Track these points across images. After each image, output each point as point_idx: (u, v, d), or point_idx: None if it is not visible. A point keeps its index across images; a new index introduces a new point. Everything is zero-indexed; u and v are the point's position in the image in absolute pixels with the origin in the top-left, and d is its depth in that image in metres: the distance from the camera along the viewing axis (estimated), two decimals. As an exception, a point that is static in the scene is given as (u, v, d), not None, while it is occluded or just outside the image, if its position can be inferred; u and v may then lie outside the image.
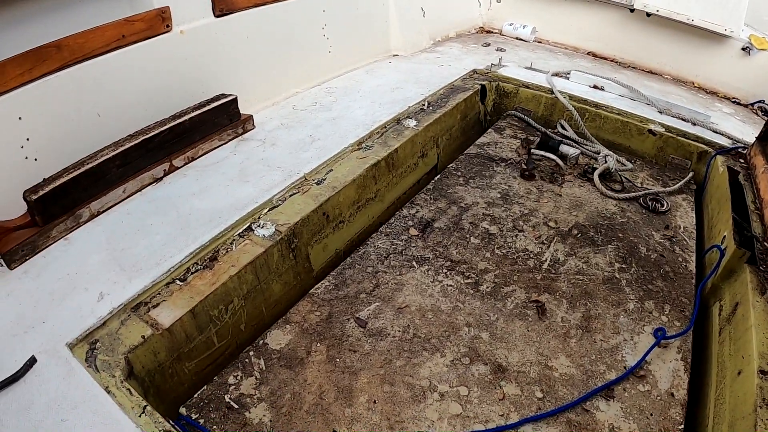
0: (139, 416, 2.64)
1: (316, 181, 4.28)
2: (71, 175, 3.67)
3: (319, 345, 3.44)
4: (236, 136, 4.88)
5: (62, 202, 3.65)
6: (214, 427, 2.95)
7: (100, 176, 3.84)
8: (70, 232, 3.67)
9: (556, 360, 3.57)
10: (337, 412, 3.09)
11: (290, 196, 4.09)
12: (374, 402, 3.16)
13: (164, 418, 2.67)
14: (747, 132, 6.25)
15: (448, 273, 4.12)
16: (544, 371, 3.49)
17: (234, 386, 3.17)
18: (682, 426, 3.26)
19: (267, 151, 4.67)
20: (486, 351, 3.55)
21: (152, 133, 4.16)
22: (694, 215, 5.31)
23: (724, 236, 4.40)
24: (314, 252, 4.14)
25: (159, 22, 4.48)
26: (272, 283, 3.76)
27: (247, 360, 3.32)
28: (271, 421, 3.01)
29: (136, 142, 4.04)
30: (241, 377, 3.22)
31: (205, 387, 3.16)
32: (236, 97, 4.81)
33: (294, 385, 3.19)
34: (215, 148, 4.68)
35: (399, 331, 3.61)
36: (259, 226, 3.76)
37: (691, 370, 3.68)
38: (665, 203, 5.32)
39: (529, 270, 4.27)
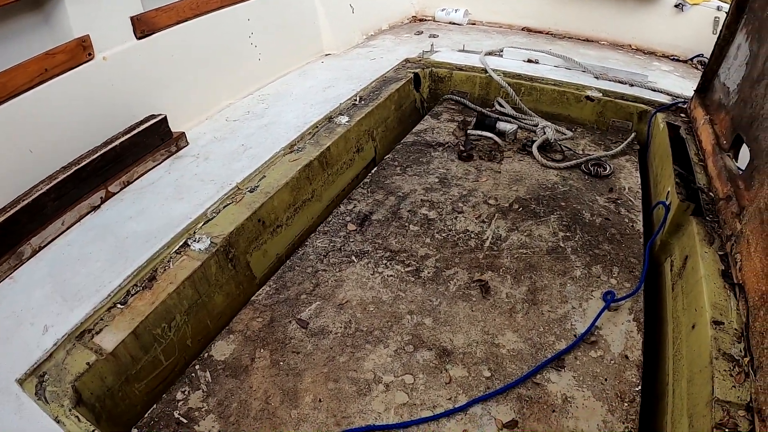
0: (89, 442, 2.63)
1: (249, 189, 4.26)
2: (8, 214, 3.63)
3: (262, 351, 3.42)
4: (170, 155, 4.85)
5: (3, 241, 3.62)
6: (165, 446, 2.95)
7: (37, 211, 3.80)
8: (14, 270, 3.62)
9: (503, 337, 3.56)
10: (284, 415, 3.07)
11: (224, 207, 4.06)
12: (319, 401, 3.15)
13: (113, 440, 2.67)
14: (687, 87, 6.28)
15: (388, 263, 4.11)
16: (491, 350, 3.48)
17: (182, 401, 3.14)
18: (639, 387, 3.27)
19: (200, 165, 4.65)
20: (430, 336, 3.54)
21: (84, 162, 4.11)
22: (638, 175, 5.34)
23: (668, 191, 4.41)
24: (254, 259, 4.12)
25: (80, 52, 4.45)
26: (214, 295, 3.74)
27: (193, 374, 3.30)
28: (220, 431, 3.00)
29: (69, 172, 4.00)
30: (189, 392, 3.19)
31: (155, 406, 3.13)
32: (165, 116, 4.77)
33: (240, 393, 3.17)
34: (150, 169, 4.64)
35: (341, 327, 3.59)
36: (194, 240, 3.73)
37: (648, 331, 3.70)
38: (608, 167, 5.34)
39: (471, 250, 4.27)
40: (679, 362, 3.36)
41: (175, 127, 4.94)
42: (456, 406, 3.14)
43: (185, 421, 3.05)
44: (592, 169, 5.31)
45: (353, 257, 4.16)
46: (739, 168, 4.09)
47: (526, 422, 3.08)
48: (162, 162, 4.75)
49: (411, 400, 3.17)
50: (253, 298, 3.79)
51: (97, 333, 3.15)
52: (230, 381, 3.26)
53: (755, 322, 2.96)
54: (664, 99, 6.02)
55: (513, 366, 3.38)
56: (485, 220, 4.61)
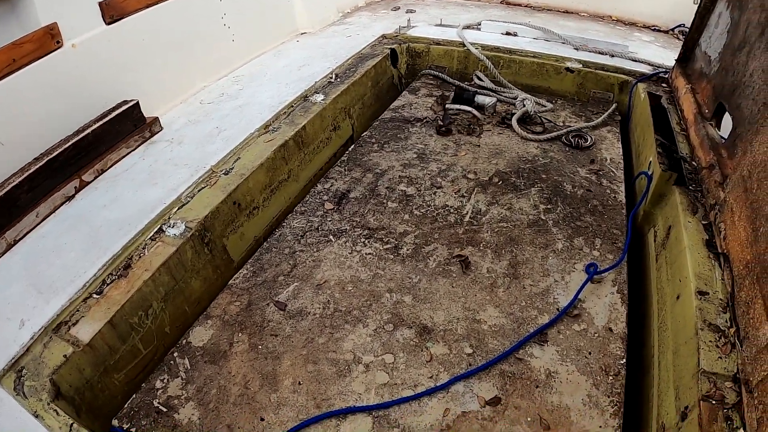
0: (67, 435, 2.58)
1: (223, 171, 4.19)
2: (-19, 209, 3.60)
3: (240, 335, 3.37)
4: (144, 141, 4.78)
5: (-23, 237, 3.58)
6: (145, 433, 2.90)
7: (10, 204, 3.73)
8: (-10, 265, 3.59)
9: (484, 312, 3.52)
10: (263, 399, 3.03)
11: (198, 191, 4.00)
12: (299, 383, 3.11)
13: (92, 432, 2.62)
14: (668, 57, 6.22)
15: (366, 241, 4.06)
16: (472, 326, 3.44)
17: (161, 390, 3.09)
18: (624, 360, 3.24)
19: (174, 150, 4.58)
20: (410, 314, 3.50)
21: (56, 152, 4.05)
22: (620, 146, 5.30)
23: (650, 161, 4.38)
24: (231, 243, 4.06)
25: (49, 40, 4.37)
26: (191, 280, 3.69)
27: (172, 362, 3.25)
28: (199, 418, 2.95)
29: (41, 163, 3.93)
30: (168, 380, 3.15)
31: (134, 396, 3.08)
32: (137, 102, 4.71)
33: (219, 379, 3.13)
34: (124, 156, 4.57)
35: (319, 308, 3.54)
36: (169, 226, 3.67)
37: (632, 303, 3.66)
38: (589, 138, 5.30)
39: (450, 225, 4.22)
40: (665, 334, 3.33)
41: (148, 112, 4.87)
42: (437, 384, 3.10)
43: (165, 409, 3.00)
44: (572, 140, 5.27)
45: (331, 236, 4.11)
46: (721, 136, 4.06)
47: (509, 398, 3.05)
48: (136, 148, 4.69)
49: (392, 380, 3.13)
50: (230, 282, 3.74)
51: (74, 324, 3.10)
52: (209, 367, 3.21)
53: (740, 291, 2.93)
54: (645, 69, 6.00)
55: (495, 342, 3.34)
56: (465, 194, 4.56)
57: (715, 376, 2.67)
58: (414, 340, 3.34)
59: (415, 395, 3.04)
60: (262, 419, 2.94)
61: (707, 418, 2.51)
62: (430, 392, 3.06)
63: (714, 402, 2.57)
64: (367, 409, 2.98)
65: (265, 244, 4.05)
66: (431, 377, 3.14)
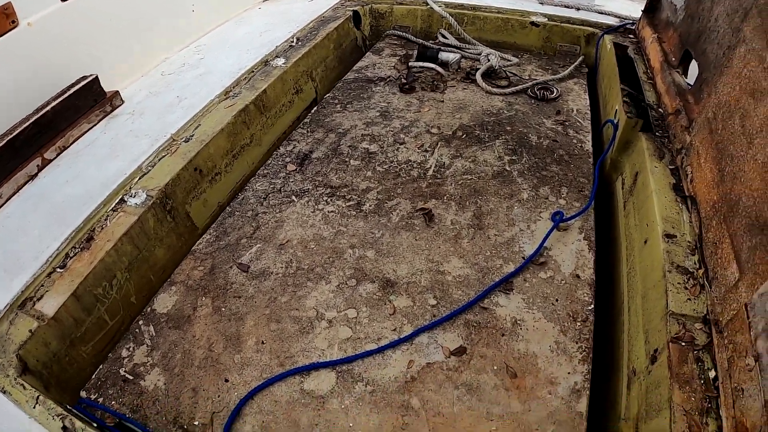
0: (33, 408, 2.58)
1: (184, 139, 4.16)
2: (-57, 194, 3.57)
3: (204, 299, 3.36)
4: (105, 115, 4.74)
5: (-59, 222, 3.55)
6: (113, 402, 2.88)
7: (-28, 187, 3.74)
8: (-44, 250, 3.57)
9: (448, 264, 3.51)
10: (227, 360, 3.03)
11: (159, 159, 3.96)
12: (262, 343, 3.10)
13: (59, 404, 2.60)
14: (635, 9, 6.18)
15: (329, 200, 4.04)
16: (436, 277, 3.43)
17: (127, 358, 3.09)
18: (592, 306, 3.24)
19: (136, 122, 4.54)
20: (372, 269, 3.49)
21: (16, 132, 4.02)
22: (587, 97, 5.28)
23: (617, 110, 4.37)
24: (194, 209, 4.04)
25: (3, 20, 4.32)
26: (154, 249, 3.67)
27: (137, 330, 3.24)
28: (165, 384, 2.94)
29: (1, 144, 3.91)
30: (134, 348, 3.14)
31: (101, 366, 3.08)
32: (96, 76, 4.66)
33: (184, 344, 3.12)
34: (85, 132, 4.53)
35: (282, 267, 3.53)
36: (130, 195, 3.65)
37: (602, 252, 3.68)
38: (555, 90, 5.28)
39: (414, 180, 4.21)
40: (633, 279, 3.34)
41: (108, 86, 4.81)
42: (401, 336, 3.10)
43: (131, 377, 3.00)
44: (538, 92, 5.25)
45: (293, 197, 4.09)
46: (688, 83, 4.06)
47: (474, 348, 3.05)
48: (97, 123, 4.64)
49: (355, 335, 3.13)
50: (194, 248, 3.73)
51: (39, 299, 3.07)
52: (173, 333, 3.20)
53: (708, 232, 2.93)
54: (612, 21, 5.95)
55: (459, 292, 3.33)
56: (428, 149, 4.54)
57: (684, 318, 2.68)
58: (377, 294, 3.33)
59: (378, 348, 3.04)
60: (227, 380, 2.95)
61: (677, 359, 2.52)
62: (393, 345, 3.06)
63: (684, 344, 2.57)
64: (330, 365, 2.98)
65: (228, 208, 4.03)
66: (395, 330, 3.14)
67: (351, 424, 2.76)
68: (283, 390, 2.91)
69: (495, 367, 2.97)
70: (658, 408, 2.52)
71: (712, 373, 2.47)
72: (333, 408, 2.83)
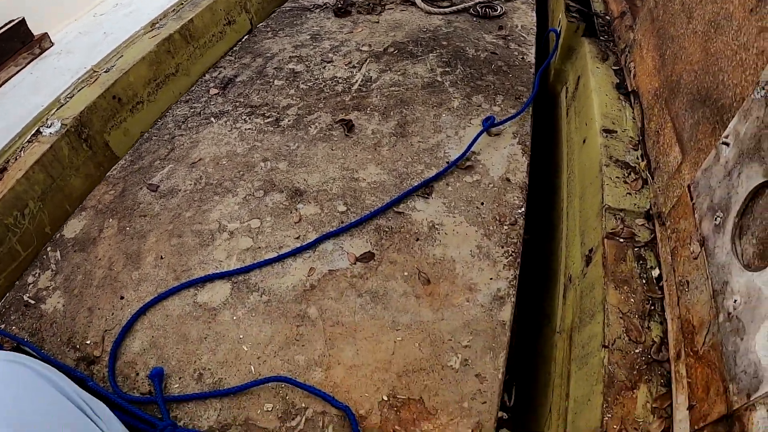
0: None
1: (105, 70, 4.05)
2: None
3: (111, 221, 3.26)
4: (34, 57, 4.62)
5: None
6: (13, 328, 2.80)
7: None
8: None
9: (364, 171, 3.39)
10: (125, 278, 2.93)
11: (78, 91, 3.86)
12: (161, 258, 3.00)
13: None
14: None
15: (248, 118, 3.92)
16: (349, 184, 3.31)
17: (32, 284, 3.00)
18: (523, 209, 3.10)
19: (62, 60, 4.42)
20: (283, 180, 3.37)
21: (-59, 80, 3.95)
22: (534, 15, 5.13)
23: (560, 18, 4.22)
24: (114, 139, 3.91)
25: (-74, -36, 4.25)
26: (70, 178, 3.56)
27: (45, 256, 3.15)
28: (63, 306, 2.86)
29: (-74, 88, 3.84)
30: (39, 274, 3.05)
31: (7, 294, 2.99)
32: (23, 19, 4.53)
33: (86, 266, 3.02)
34: (13, 75, 4.43)
35: (191, 184, 3.43)
36: (46, 126, 3.56)
37: (543, 162, 3.59)
38: (499, 8, 5.11)
39: (337, 95, 4.07)
40: (572, 183, 3.21)
41: (38, 29, 4.71)
42: (305, 243, 2.98)
43: (33, 302, 2.91)
44: (480, 10, 5.08)
45: (212, 118, 3.97)
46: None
47: (384, 254, 2.92)
48: (25, 66, 4.54)
49: (255, 244, 3.02)
50: (108, 174, 3.62)
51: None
52: (78, 256, 3.11)
53: (650, 122, 2.80)
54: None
55: (373, 198, 3.21)
56: (356, 65, 4.40)
57: (623, 213, 2.52)
58: (284, 204, 3.22)
59: (277, 256, 2.92)
60: (122, 297, 2.85)
61: (613, 256, 2.36)
62: (294, 252, 2.94)
63: (622, 240, 2.42)
64: (225, 275, 2.88)
65: (145, 134, 3.92)
66: (298, 238, 3.03)
67: (241, 336, 2.65)
68: (176, 304, 2.81)
69: (405, 274, 2.83)
70: (592, 313, 2.35)
71: (655, 272, 2.30)
72: (224, 320, 2.72)
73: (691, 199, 2.10)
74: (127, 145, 3.96)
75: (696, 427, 1.68)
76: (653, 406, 1.92)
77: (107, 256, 3.07)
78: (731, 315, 1.62)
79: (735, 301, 1.62)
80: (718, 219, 1.84)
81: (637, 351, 2.07)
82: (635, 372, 2.02)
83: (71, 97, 3.76)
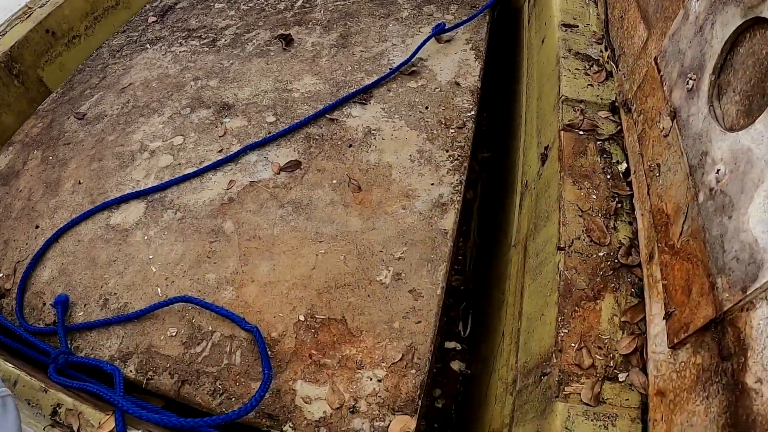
0: None
1: (39, 5, 3.90)
2: None
3: (35, 152, 3.14)
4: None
5: None
6: None
7: None
8: None
9: (299, 82, 3.22)
10: (42, 207, 2.81)
11: (11, 28, 3.72)
12: (79, 183, 2.88)
13: None
14: None
15: (183, 42, 3.77)
16: (281, 95, 3.15)
17: (-47, 226, 2.89)
18: (473, 113, 2.93)
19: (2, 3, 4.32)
20: (211, 96, 3.23)
21: None
22: None
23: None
24: (48, 74, 3.77)
25: None
26: (2, 116, 3.44)
27: (-32, 197, 3.04)
28: (-21, 247, 2.74)
29: None
30: (-39, 213, 2.94)
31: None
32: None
33: (6, 199, 2.91)
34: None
35: (118, 108, 3.29)
36: (-25, 66, 3.45)
37: (503, 86, 3.52)
38: None
39: (279, 12, 3.90)
40: (531, 86, 2.99)
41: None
42: (227, 155, 2.84)
43: (-50, 245, 2.79)
44: None
45: (147, 45, 3.82)
46: None
47: (312, 162, 2.77)
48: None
49: (176, 161, 2.88)
50: (38, 108, 3.48)
51: None
52: (0, 190, 2.98)
53: (614, 10, 2.59)
54: None
55: (305, 107, 3.05)
56: (300, -17, 4.22)
57: (582, 104, 2.30)
58: (210, 119, 3.08)
59: (195, 171, 2.78)
60: (37, 227, 2.74)
61: (571, 149, 2.14)
62: (213, 166, 2.80)
63: (582, 132, 2.19)
64: (140, 195, 2.74)
65: (79, 66, 3.76)
66: (221, 151, 2.88)
67: (151, 257, 2.51)
68: (89, 228, 2.68)
69: (334, 182, 2.68)
70: (547, 215, 2.12)
71: (622, 167, 2.07)
72: (135, 241, 2.59)
73: (659, 71, 1.88)
74: (64, 80, 3.82)
75: (676, 340, 1.42)
76: (622, 320, 1.67)
77: (28, 187, 2.95)
78: (714, 191, 1.38)
79: (718, 171, 1.38)
80: (691, 83, 1.60)
81: (600, 254, 1.82)
82: (598, 279, 1.77)
83: (3, 35, 3.59)
